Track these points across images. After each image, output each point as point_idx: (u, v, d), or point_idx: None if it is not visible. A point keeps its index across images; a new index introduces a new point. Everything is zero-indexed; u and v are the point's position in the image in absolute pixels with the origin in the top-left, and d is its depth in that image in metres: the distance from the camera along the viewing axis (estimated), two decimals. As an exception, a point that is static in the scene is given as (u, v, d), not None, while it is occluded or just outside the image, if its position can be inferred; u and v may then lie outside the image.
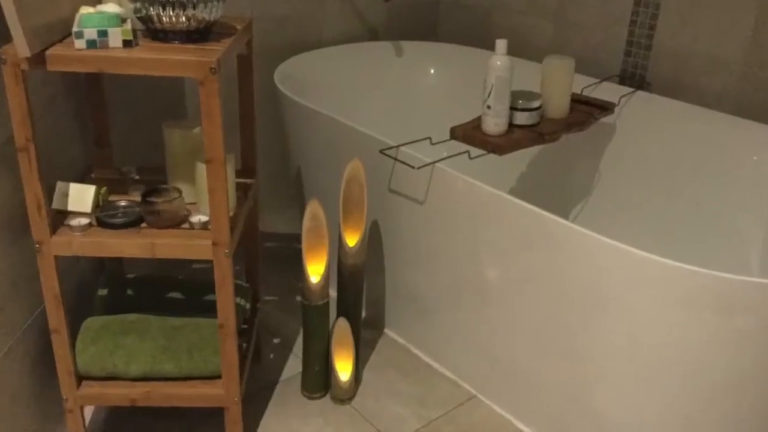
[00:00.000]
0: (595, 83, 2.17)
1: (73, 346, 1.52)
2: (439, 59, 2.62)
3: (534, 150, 2.22)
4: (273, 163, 2.39)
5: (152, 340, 1.56)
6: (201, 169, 1.46)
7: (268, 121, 2.27)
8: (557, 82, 1.91)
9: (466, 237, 1.73)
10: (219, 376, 1.56)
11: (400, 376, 1.96)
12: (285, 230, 2.52)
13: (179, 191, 1.49)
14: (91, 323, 1.57)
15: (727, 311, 1.34)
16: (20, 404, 1.49)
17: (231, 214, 1.47)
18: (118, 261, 1.80)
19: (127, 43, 1.31)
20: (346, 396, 1.85)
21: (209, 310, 1.58)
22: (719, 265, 1.37)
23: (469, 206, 1.69)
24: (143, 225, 1.47)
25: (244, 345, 1.73)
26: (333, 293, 1.88)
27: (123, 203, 1.51)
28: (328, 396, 1.87)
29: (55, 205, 1.45)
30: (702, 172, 1.98)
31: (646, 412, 1.50)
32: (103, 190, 1.53)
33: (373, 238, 2.01)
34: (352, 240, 1.83)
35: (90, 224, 1.44)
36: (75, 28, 1.28)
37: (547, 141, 1.84)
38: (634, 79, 2.23)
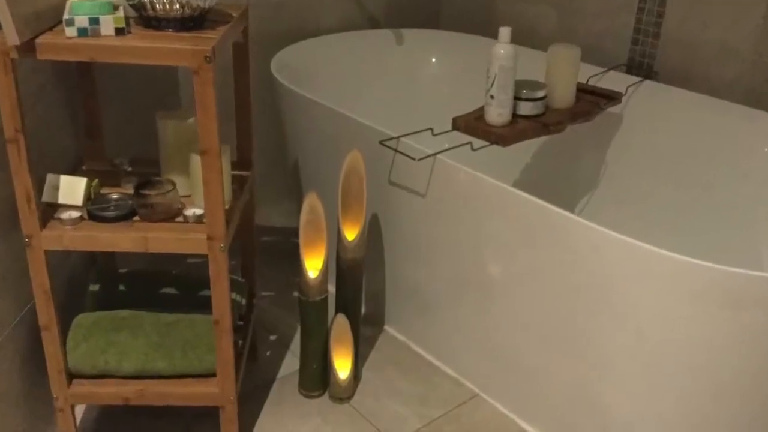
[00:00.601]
0: (602, 72, 2.18)
1: (63, 343, 1.52)
2: (441, 48, 2.62)
3: (538, 141, 2.22)
4: (270, 155, 2.39)
5: (145, 337, 1.56)
6: (195, 160, 1.46)
7: (264, 111, 2.27)
8: (562, 71, 1.91)
9: (468, 230, 1.73)
10: (214, 374, 1.57)
11: (400, 374, 1.96)
12: (282, 224, 2.52)
13: (173, 184, 1.50)
14: (83, 320, 1.58)
15: (736, 306, 1.34)
16: (9, 403, 1.49)
17: (226, 207, 1.47)
18: (110, 255, 1.80)
19: (119, 31, 1.31)
20: (344, 394, 1.86)
21: (204, 306, 1.58)
22: (728, 259, 1.38)
23: (472, 199, 1.69)
24: (136, 218, 1.47)
25: (240, 342, 1.73)
26: (331, 289, 1.88)
27: (115, 196, 1.51)
28: (326, 395, 1.88)
29: (45, 198, 1.45)
30: (711, 164, 1.99)
31: (653, 410, 1.51)
32: (95, 182, 1.53)
33: (372, 231, 2.01)
34: (351, 234, 1.84)
35: (81, 218, 1.45)
36: (66, 16, 1.28)
37: (552, 132, 1.84)
38: (641, 68, 2.23)
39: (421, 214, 1.84)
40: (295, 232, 1.80)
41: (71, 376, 1.55)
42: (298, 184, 2.26)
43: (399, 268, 2.00)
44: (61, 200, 1.47)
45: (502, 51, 1.72)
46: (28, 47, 1.26)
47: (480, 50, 2.14)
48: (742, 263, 1.35)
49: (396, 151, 1.79)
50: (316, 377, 1.86)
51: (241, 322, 1.78)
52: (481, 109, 1.82)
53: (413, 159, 1.73)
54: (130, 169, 1.67)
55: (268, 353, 2.02)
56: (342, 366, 1.84)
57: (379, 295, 2.11)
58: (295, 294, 2.20)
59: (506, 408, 1.84)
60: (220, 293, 1.48)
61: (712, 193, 1.99)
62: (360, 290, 1.92)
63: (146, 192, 1.46)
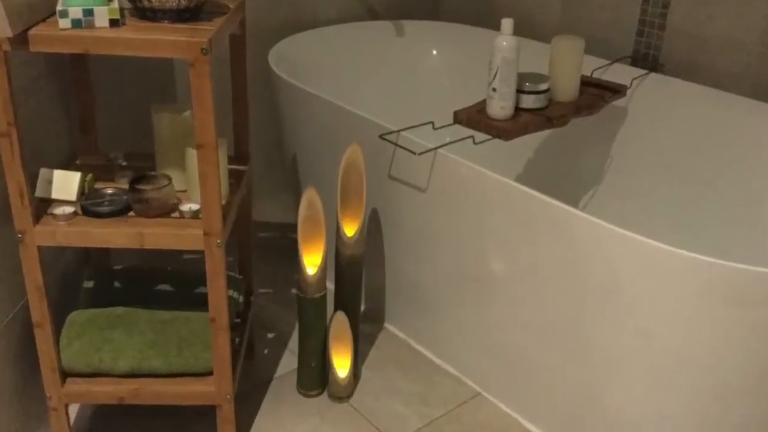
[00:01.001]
0: (606, 65, 2.17)
1: (57, 341, 1.52)
2: (442, 39, 2.62)
3: (541, 135, 2.22)
4: (267, 149, 2.39)
5: (140, 334, 1.56)
6: (191, 154, 1.46)
7: (262, 104, 2.27)
8: (566, 63, 1.91)
9: (470, 226, 1.73)
10: (210, 373, 1.57)
11: (400, 373, 1.96)
12: (280, 219, 2.52)
13: (169, 178, 1.50)
14: (76, 317, 1.58)
15: (742, 304, 1.34)
16: (1, 402, 1.49)
17: (223, 202, 1.47)
18: (105, 252, 1.80)
19: (113, 23, 1.31)
20: (344, 393, 1.86)
21: (200, 303, 1.59)
22: (735, 256, 1.37)
23: (474, 194, 1.69)
24: (131, 214, 1.47)
25: (237, 340, 1.74)
26: (330, 285, 1.88)
27: (110, 191, 1.51)
28: (325, 394, 1.88)
29: (39, 193, 1.45)
30: (718, 158, 1.99)
31: (659, 409, 1.51)
32: (89, 177, 1.53)
33: (372, 227, 2.01)
34: (350, 229, 1.84)
35: (75, 213, 1.45)
36: (59, 7, 1.28)
37: (555, 125, 1.84)
38: (646, 60, 2.23)
39: (422, 210, 1.84)
40: (293, 227, 1.80)
41: (65, 374, 1.55)
42: (296, 179, 2.26)
43: (399, 265, 2.00)
44: (54, 195, 1.47)
45: (504, 43, 1.72)
46: (20, 39, 1.26)
47: (482, 42, 2.14)
48: (747, 260, 1.35)
49: (396, 145, 1.79)
50: (315, 376, 1.86)
51: (238, 320, 1.78)
52: (483, 103, 1.82)
53: (414, 153, 1.73)
54: (124, 163, 1.67)
55: (265, 351, 2.02)
56: (341, 364, 1.85)
57: (378, 292, 2.11)
58: (294, 291, 2.20)
59: (509, 407, 1.84)
60: (217, 290, 1.48)
61: (717, 188, 1.99)
62: (359, 287, 1.92)
63: (141, 187, 1.46)
